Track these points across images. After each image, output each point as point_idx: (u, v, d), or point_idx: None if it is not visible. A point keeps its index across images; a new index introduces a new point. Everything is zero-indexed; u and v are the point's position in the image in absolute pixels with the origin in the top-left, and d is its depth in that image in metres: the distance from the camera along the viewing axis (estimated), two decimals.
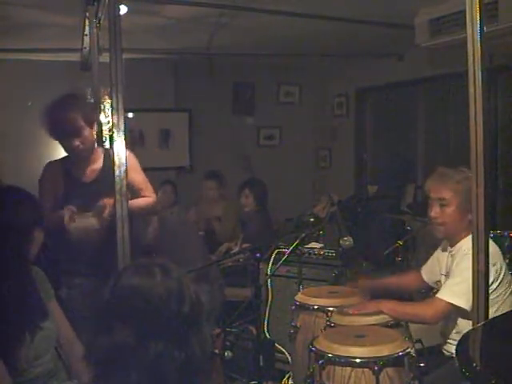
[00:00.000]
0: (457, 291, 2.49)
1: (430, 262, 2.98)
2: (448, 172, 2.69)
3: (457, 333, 2.61)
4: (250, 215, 5.12)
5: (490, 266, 2.41)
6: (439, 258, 2.88)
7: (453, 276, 2.58)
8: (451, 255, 2.72)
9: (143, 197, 3.18)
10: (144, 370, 1.34)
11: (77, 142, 2.97)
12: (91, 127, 3.02)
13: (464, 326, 2.51)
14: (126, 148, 2.66)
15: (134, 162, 3.10)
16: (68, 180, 3.09)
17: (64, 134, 2.99)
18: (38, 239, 2.26)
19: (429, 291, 3.09)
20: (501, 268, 2.56)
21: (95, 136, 3.10)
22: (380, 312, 2.64)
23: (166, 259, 1.51)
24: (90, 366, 1.41)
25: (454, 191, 2.62)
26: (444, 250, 2.84)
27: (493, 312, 2.44)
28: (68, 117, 2.96)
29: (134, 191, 3.08)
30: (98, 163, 3.11)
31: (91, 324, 1.43)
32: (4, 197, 2.24)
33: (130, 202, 2.90)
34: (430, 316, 2.56)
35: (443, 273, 2.79)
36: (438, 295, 2.57)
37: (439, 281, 2.84)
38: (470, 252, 2.19)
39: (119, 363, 1.35)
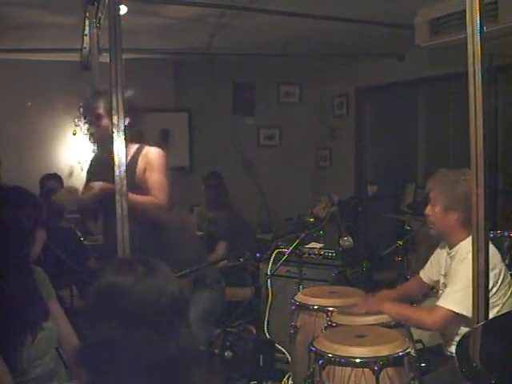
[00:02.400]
0: (457, 298, 2.49)
1: (428, 263, 2.99)
2: (443, 173, 2.76)
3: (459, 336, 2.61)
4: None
5: (490, 270, 2.43)
6: (438, 257, 2.89)
7: (453, 283, 2.58)
8: (450, 257, 2.73)
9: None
10: (134, 363, 1.36)
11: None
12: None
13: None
14: (158, 146, 2.77)
15: (157, 161, 3.13)
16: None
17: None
18: (39, 239, 2.26)
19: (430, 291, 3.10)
20: (500, 272, 2.56)
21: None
22: (381, 312, 2.65)
23: (156, 258, 1.53)
24: (81, 367, 1.44)
25: (441, 191, 2.70)
26: (442, 248, 2.85)
27: (493, 314, 2.45)
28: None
29: (147, 189, 3.08)
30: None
31: (82, 327, 1.46)
32: (6, 197, 2.24)
33: (133, 195, 2.90)
34: (431, 323, 2.58)
35: (442, 273, 2.80)
36: (439, 303, 2.58)
37: (438, 280, 2.84)
38: (469, 256, 2.19)
39: (108, 359, 1.37)
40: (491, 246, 2.57)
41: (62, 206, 4.28)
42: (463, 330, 2.56)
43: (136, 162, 3.11)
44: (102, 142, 3.16)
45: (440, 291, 2.78)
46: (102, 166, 3.14)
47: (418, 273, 3.05)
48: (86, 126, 6.08)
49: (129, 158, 3.09)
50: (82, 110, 3.23)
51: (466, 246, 2.53)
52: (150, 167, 3.10)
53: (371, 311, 2.68)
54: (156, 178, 3.11)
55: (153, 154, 3.16)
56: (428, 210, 2.77)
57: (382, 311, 2.65)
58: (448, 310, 2.51)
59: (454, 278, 2.59)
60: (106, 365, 1.38)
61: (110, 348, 1.37)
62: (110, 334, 1.37)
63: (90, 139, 3.34)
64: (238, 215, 5.25)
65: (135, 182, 3.03)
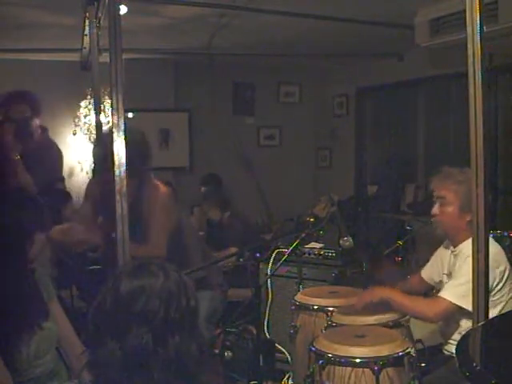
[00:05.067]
0: (461, 292, 2.49)
1: (430, 262, 2.98)
2: (451, 172, 2.73)
3: (459, 334, 2.61)
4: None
5: (495, 268, 2.43)
6: (442, 256, 2.88)
7: (456, 277, 2.58)
8: (454, 255, 2.72)
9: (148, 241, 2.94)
10: (163, 369, 1.34)
11: None
12: None
13: (466, 327, 2.51)
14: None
15: (162, 203, 2.94)
16: None
17: None
18: (38, 241, 2.26)
19: (431, 291, 3.09)
20: (505, 270, 2.57)
21: None
22: (380, 311, 2.65)
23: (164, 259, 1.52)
24: (94, 372, 1.40)
25: (454, 191, 2.66)
26: (446, 247, 2.84)
27: (497, 312, 2.45)
28: None
29: (142, 229, 2.90)
30: None
31: (94, 331, 1.40)
32: (5, 199, 2.24)
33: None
34: (432, 314, 2.57)
35: (445, 272, 2.80)
36: (442, 295, 2.57)
37: (441, 280, 2.84)
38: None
39: (141, 364, 1.34)
40: (496, 245, 2.58)
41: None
42: (463, 328, 2.57)
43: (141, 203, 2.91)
44: None
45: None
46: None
47: (419, 272, 3.05)
48: (86, 126, 6.11)
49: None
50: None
51: (470, 245, 2.53)
52: (156, 209, 2.91)
53: (374, 298, 2.65)
54: (156, 221, 2.91)
55: (161, 195, 2.97)
56: (436, 210, 2.72)
57: (384, 297, 2.63)
58: (450, 301, 2.51)
59: (457, 272, 2.59)
60: (135, 374, 1.34)
61: (141, 356, 1.33)
62: (141, 341, 1.33)
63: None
64: (245, 218, 5.25)
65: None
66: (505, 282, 2.56)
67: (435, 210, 2.73)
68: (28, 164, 3.25)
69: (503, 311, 2.50)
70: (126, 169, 2.25)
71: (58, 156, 3.66)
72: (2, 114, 3.32)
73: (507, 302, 2.57)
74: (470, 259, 2.31)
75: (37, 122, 3.50)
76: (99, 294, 1.42)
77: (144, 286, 1.38)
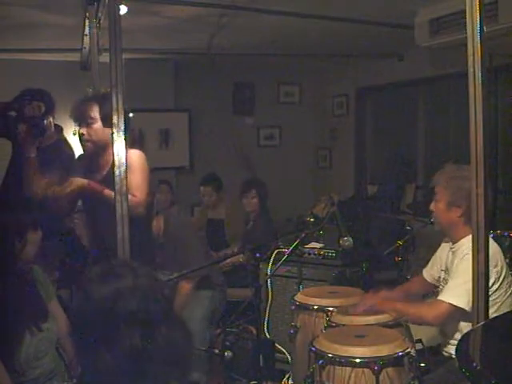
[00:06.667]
0: (458, 292, 2.49)
1: (431, 260, 2.99)
2: (449, 168, 2.77)
3: (459, 333, 2.61)
4: (253, 216, 5.13)
5: (492, 267, 2.43)
6: (441, 252, 2.90)
7: (454, 277, 2.58)
8: (452, 252, 2.73)
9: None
10: (156, 369, 1.33)
11: (82, 131, 3.09)
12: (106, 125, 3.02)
13: (466, 328, 2.51)
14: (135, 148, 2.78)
15: (134, 162, 3.03)
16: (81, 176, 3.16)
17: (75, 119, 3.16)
18: (33, 240, 2.25)
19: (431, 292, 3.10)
20: (502, 269, 2.57)
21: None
22: (380, 311, 2.65)
23: (164, 258, 1.51)
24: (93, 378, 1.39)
25: (444, 186, 2.70)
26: (446, 243, 2.85)
27: (492, 313, 2.44)
28: (83, 105, 3.15)
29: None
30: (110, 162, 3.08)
31: (80, 341, 1.38)
32: None
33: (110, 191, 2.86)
34: (432, 318, 2.58)
35: (443, 268, 2.81)
36: (440, 297, 2.58)
37: (439, 276, 2.85)
38: (471, 252, 2.20)
39: (133, 364, 1.33)
40: (494, 244, 2.58)
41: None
42: (462, 329, 2.57)
43: None
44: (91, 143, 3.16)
45: (440, 287, 2.78)
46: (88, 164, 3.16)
47: (419, 272, 3.05)
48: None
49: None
50: (74, 111, 3.20)
51: (468, 243, 2.53)
52: (130, 169, 2.95)
53: (370, 311, 2.68)
54: (133, 177, 3.00)
55: (132, 156, 3.04)
56: (432, 206, 2.77)
57: (381, 310, 2.65)
58: (449, 304, 2.51)
59: (455, 272, 2.60)
60: (129, 376, 1.33)
61: (131, 356, 1.31)
62: (136, 343, 1.31)
63: (80, 141, 3.34)
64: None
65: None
66: (501, 282, 2.56)
67: (431, 206, 2.78)
68: (40, 162, 3.26)
69: (498, 312, 2.50)
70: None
71: (70, 157, 3.66)
72: (16, 111, 3.32)
73: (503, 303, 2.57)
74: (468, 257, 2.32)
75: (51, 120, 3.51)
76: (74, 303, 1.40)
77: (116, 288, 1.35)
